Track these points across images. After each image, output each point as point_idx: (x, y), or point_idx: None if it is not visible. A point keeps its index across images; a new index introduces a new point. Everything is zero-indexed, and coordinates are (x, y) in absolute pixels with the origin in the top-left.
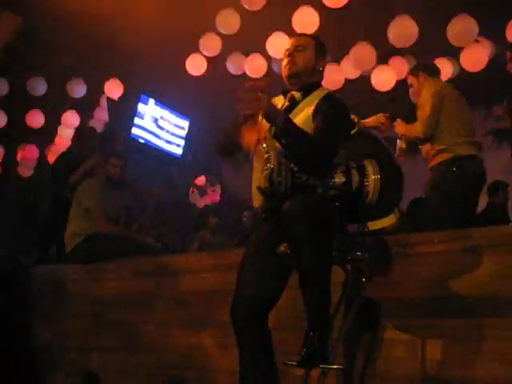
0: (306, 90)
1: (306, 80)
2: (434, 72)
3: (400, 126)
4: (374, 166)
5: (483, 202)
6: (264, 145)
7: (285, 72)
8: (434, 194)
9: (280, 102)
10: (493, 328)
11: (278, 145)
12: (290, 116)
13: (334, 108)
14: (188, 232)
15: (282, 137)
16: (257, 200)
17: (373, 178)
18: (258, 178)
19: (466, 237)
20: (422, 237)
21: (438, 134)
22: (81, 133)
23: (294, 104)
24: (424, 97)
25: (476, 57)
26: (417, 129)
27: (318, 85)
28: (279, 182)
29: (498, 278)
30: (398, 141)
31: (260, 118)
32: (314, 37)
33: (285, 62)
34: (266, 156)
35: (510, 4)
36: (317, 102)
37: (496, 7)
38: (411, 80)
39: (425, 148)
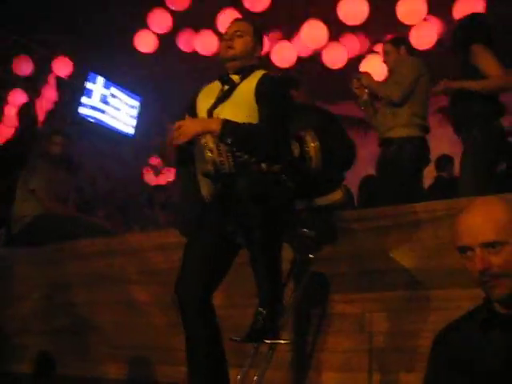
0: (244, 73)
1: (243, 64)
2: (412, 53)
3: (369, 78)
4: (312, 135)
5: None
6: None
7: (223, 55)
8: (383, 170)
9: (216, 87)
10: (435, 300)
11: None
12: (231, 98)
13: (273, 89)
14: (134, 211)
15: (227, 138)
16: (204, 188)
17: (312, 145)
18: (200, 167)
19: (410, 212)
20: (367, 212)
21: (403, 107)
22: (22, 115)
23: (232, 87)
24: (405, 66)
25: (425, 35)
26: (391, 90)
27: (255, 67)
28: (221, 162)
29: (440, 251)
30: (359, 90)
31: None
32: (252, 23)
33: (223, 45)
34: (203, 142)
35: None
36: (255, 82)
37: None
38: (390, 48)
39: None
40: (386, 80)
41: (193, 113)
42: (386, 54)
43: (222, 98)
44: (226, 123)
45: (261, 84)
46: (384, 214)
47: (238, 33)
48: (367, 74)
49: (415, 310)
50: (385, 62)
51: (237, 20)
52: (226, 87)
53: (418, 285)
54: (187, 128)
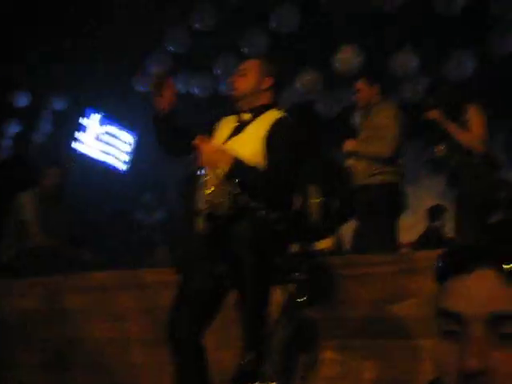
0: (256, 112)
1: (252, 101)
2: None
3: (351, 144)
4: (317, 190)
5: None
6: (204, 171)
7: (230, 96)
8: (372, 215)
9: (232, 121)
10: (428, 349)
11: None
12: (239, 136)
13: (285, 137)
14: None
15: (234, 177)
16: (198, 223)
17: (314, 201)
18: (198, 202)
19: (401, 260)
20: (360, 258)
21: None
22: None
23: (243, 124)
24: (386, 116)
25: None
26: (381, 147)
27: (268, 106)
28: (218, 203)
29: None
30: (348, 161)
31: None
32: (259, 59)
33: (229, 86)
34: (204, 179)
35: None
36: (268, 125)
37: (439, 41)
38: (362, 86)
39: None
40: (364, 136)
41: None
42: (358, 91)
43: (232, 134)
44: (237, 163)
45: (273, 130)
46: (372, 261)
47: (242, 72)
48: (349, 142)
49: (406, 358)
50: (357, 99)
51: (244, 60)
52: (238, 124)
53: (408, 333)
54: (205, 152)
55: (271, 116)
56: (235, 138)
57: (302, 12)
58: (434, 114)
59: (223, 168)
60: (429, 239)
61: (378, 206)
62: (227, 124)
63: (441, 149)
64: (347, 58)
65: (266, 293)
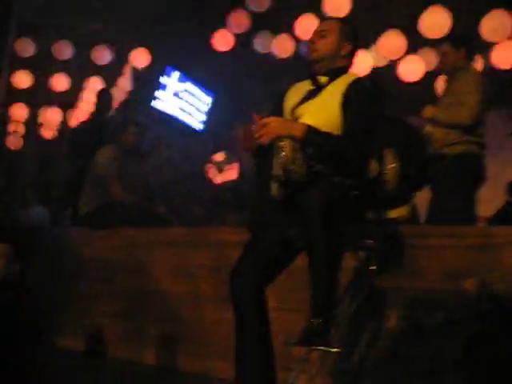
0: (333, 75)
1: (330, 64)
2: (472, 59)
3: (430, 110)
4: (394, 154)
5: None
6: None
7: (309, 57)
8: (448, 186)
9: (306, 85)
10: None
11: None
12: (315, 99)
13: (362, 97)
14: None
15: (307, 147)
16: (274, 188)
17: (391, 167)
18: (273, 168)
19: (475, 234)
20: (433, 229)
21: None
22: (101, 97)
23: (319, 87)
24: (468, 82)
25: (508, 54)
26: (462, 114)
27: (344, 69)
28: (293, 170)
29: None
30: (427, 128)
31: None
32: (339, 21)
33: (309, 47)
34: (280, 144)
35: None
36: (344, 88)
37: None
38: (448, 49)
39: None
40: (445, 101)
41: (279, 111)
42: (443, 54)
43: (307, 98)
44: (310, 131)
45: (350, 92)
46: (445, 233)
47: (322, 33)
48: (429, 108)
49: None
50: (441, 63)
51: (323, 19)
52: (313, 87)
53: None
54: (271, 128)
55: (348, 79)
56: (311, 102)
57: None
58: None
59: (296, 136)
60: (507, 215)
61: (454, 177)
62: (301, 88)
63: None
64: (434, 18)
65: (337, 258)
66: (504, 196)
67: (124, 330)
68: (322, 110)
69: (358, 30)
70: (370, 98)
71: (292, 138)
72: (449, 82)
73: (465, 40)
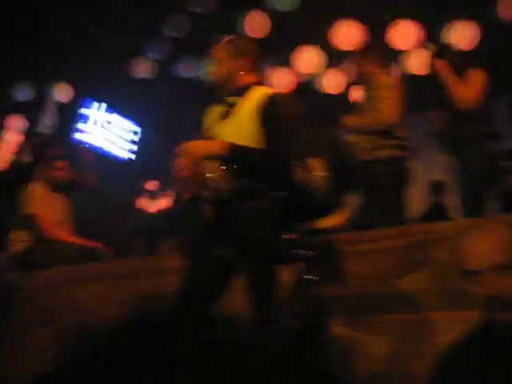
0: (239, 93)
1: (233, 85)
2: (387, 66)
3: (350, 119)
4: (321, 164)
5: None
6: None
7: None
8: (375, 190)
9: (219, 107)
10: (437, 321)
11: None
12: (228, 119)
13: (276, 111)
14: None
15: (231, 163)
16: (206, 209)
17: (319, 175)
18: (203, 188)
19: (409, 234)
20: (364, 235)
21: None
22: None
23: (230, 108)
24: (385, 87)
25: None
26: (378, 120)
27: (252, 84)
28: (221, 188)
29: (440, 274)
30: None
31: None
32: (226, 42)
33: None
34: (204, 165)
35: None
36: (255, 103)
37: (438, 12)
38: (361, 59)
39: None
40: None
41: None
42: (357, 65)
43: (221, 119)
44: (231, 147)
45: (263, 106)
46: (375, 237)
47: (215, 60)
48: (350, 117)
49: (415, 332)
50: (357, 73)
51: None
52: (225, 108)
53: (416, 307)
54: (192, 152)
55: (258, 93)
56: (224, 122)
57: None
58: (438, 64)
59: (218, 154)
60: (432, 214)
61: (381, 181)
62: (216, 111)
63: (434, 118)
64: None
65: (274, 273)
66: (429, 197)
67: None
68: (235, 128)
69: (253, 41)
70: (284, 107)
71: (215, 157)
72: (366, 89)
73: (377, 49)
